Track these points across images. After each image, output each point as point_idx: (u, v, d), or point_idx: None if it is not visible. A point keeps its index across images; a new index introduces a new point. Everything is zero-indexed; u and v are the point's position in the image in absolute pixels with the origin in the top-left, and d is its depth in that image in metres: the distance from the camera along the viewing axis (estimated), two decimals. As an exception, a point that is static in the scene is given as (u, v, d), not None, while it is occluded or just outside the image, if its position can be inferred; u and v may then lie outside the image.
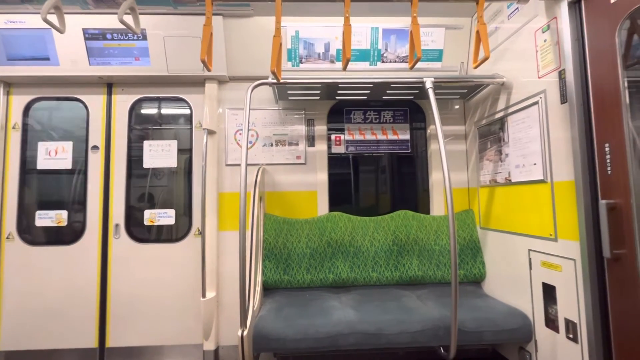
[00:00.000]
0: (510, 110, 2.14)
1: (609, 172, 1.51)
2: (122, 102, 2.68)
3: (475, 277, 2.45)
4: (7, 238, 2.54)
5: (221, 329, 2.53)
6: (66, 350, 2.50)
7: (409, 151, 2.86)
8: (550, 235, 1.80)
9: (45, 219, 2.58)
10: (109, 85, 2.69)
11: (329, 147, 2.79)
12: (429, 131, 2.84)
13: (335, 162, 2.82)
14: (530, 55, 1.96)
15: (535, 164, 1.92)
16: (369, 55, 2.61)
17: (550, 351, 1.82)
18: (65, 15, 1.64)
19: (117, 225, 2.59)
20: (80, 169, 2.64)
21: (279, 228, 2.53)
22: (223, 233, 2.60)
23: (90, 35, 2.45)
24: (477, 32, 1.67)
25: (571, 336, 1.68)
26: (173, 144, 2.68)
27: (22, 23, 2.40)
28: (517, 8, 2.08)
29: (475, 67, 1.75)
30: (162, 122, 2.79)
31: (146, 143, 2.67)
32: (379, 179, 2.96)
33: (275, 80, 2.14)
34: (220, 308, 2.54)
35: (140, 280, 2.56)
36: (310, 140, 2.75)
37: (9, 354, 2.49)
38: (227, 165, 2.67)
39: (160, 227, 2.64)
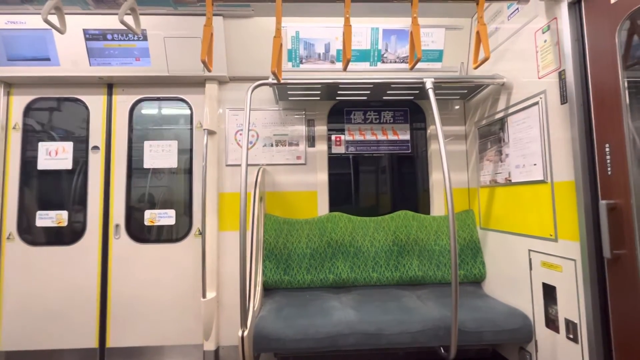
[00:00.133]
0: (511, 110, 2.14)
1: (609, 173, 1.51)
2: (123, 102, 2.68)
3: (476, 277, 2.46)
4: (8, 238, 2.54)
5: (221, 329, 2.53)
6: (67, 350, 2.50)
7: (409, 151, 2.86)
8: (551, 235, 1.80)
9: (46, 219, 2.58)
10: (110, 86, 2.69)
11: (329, 148, 2.79)
12: (429, 131, 2.84)
13: (335, 162, 2.82)
14: (530, 56, 1.96)
15: (535, 165, 1.92)
16: (369, 55, 2.61)
17: (550, 351, 1.82)
18: (66, 16, 1.65)
19: (117, 226, 2.59)
20: (80, 169, 2.64)
21: (279, 228, 2.53)
22: (223, 233, 2.60)
23: (90, 36, 2.45)
24: (477, 32, 1.67)
25: (571, 336, 1.68)
26: (173, 145, 2.68)
27: (22, 23, 2.40)
28: (517, 9, 2.08)
29: (476, 68, 1.75)
30: (163, 123, 2.79)
31: (146, 143, 2.67)
32: (379, 179, 2.96)
33: (275, 81, 2.14)
34: (221, 308, 2.54)
35: (141, 281, 2.56)
36: (311, 140, 2.75)
37: (9, 354, 2.49)
38: (227, 165, 2.68)
39: (160, 227, 2.64)
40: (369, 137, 2.84)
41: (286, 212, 2.66)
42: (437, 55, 2.63)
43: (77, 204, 2.62)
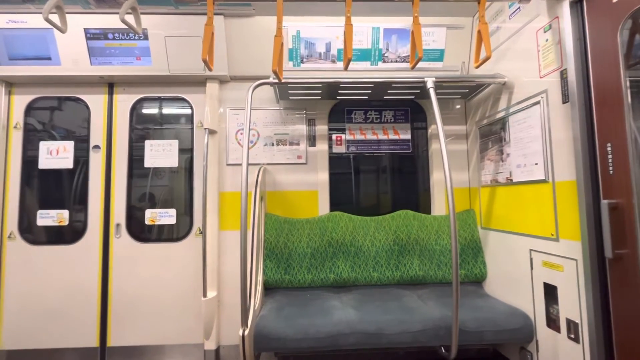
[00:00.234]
0: (512, 110, 2.14)
1: (611, 172, 1.51)
2: (124, 101, 2.69)
3: (477, 277, 2.45)
4: (9, 237, 2.55)
5: (222, 329, 2.53)
6: (67, 349, 2.50)
7: (410, 151, 2.86)
8: (552, 235, 1.80)
9: (47, 218, 2.58)
10: (110, 85, 2.69)
11: (330, 147, 2.79)
12: (430, 131, 2.84)
13: (336, 161, 2.81)
14: (531, 55, 1.95)
15: (536, 164, 1.91)
16: (370, 55, 2.60)
17: (551, 351, 1.82)
18: (67, 15, 1.65)
19: (118, 225, 2.59)
20: (81, 169, 2.64)
21: (279, 228, 2.53)
22: (224, 233, 2.61)
23: (91, 35, 2.45)
24: (479, 31, 1.67)
25: (572, 336, 1.67)
26: (174, 144, 2.68)
27: (23, 23, 2.40)
28: (519, 8, 2.07)
29: (477, 67, 1.75)
30: (163, 122, 2.80)
31: (147, 143, 2.67)
32: (380, 179, 2.96)
33: (276, 80, 2.14)
34: (221, 307, 2.54)
35: (142, 280, 2.56)
36: (311, 140, 2.75)
37: (10, 353, 2.50)
38: (228, 164, 2.68)
39: (161, 226, 2.64)
40: (369, 136, 2.84)
41: (287, 211, 2.66)
42: (438, 55, 2.63)
43: (78, 203, 2.62)
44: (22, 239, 2.55)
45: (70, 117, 2.71)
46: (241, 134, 2.70)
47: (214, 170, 2.59)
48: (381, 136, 2.84)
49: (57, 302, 2.52)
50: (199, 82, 2.67)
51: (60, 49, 2.46)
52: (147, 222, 2.61)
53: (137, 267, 2.57)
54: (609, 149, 1.52)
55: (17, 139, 2.62)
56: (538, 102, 1.90)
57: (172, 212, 2.63)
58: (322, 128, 2.76)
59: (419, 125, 2.89)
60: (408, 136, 2.85)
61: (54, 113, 2.73)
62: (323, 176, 2.71)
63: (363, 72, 2.62)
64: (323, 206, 2.68)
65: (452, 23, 2.56)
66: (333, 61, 2.61)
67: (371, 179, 2.94)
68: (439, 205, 2.72)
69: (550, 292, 1.82)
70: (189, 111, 2.73)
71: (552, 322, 1.81)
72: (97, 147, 2.64)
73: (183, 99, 2.73)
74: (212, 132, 2.58)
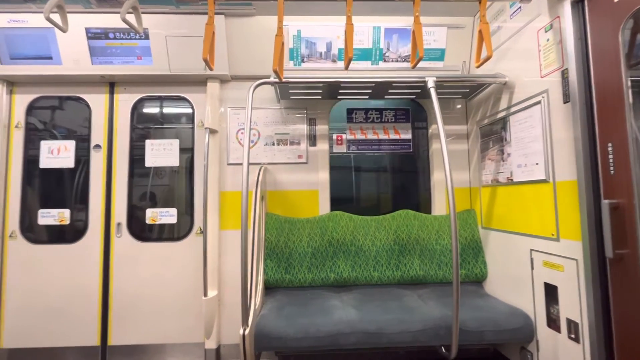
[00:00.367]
0: (513, 109, 2.13)
1: (612, 172, 1.50)
2: (124, 101, 2.69)
3: (477, 276, 2.45)
4: (10, 236, 2.55)
5: (223, 328, 2.53)
6: (68, 348, 2.51)
7: (411, 151, 2.86)
8: (553, 235, 1.80)
9: (48, 217, 2.59)
10: (111, 85, 2.70)
11: (331, 147, 2.79)
12: (430, 130, 2.83)
13: (336, 161, 2.82)
14: (532, 55, 1.95)
15: (537, 164, 1.91)
16: (371, 54, 2.60)
17: (551, 351, 1.82)
18: (68, 15, 1.65)
19: (119, 224, 2.60)
20: (82, 168, 2.65)
21: (280, 227, 2.54)
22: (225, 232, 2.61)
23: (92, 35, 2.46)
24: (480, 31, 1.67)
25: (573, 336, 1.67)
26: (175, 143, 2.68)
27: (24, 22, 2.41)
28: (520, 7, 2.07)
29: (478, 67, 1.75)
30: (164, 121, 2.80)
31: (148, 142, 2.68)
32: (381, 179, 2.96)
33: (277, 80, 2.14)
34: (222, 307, 2.55)
35: (142, 279, 2.56)
36: (312, 139, 2.75)
37: (12, 351, 2.51)
38: (228, 164, 2.68)
39: (162, 226, 2.64)
40: (370, 136, 2.84)
41: (287, 211, 2.66)
42: (439, 54, 2.62)
43: (79, 202, 2.62)
44: (23, 238, 2.56)
45: (71, 117, 2.72)
46: (242, 133, 2.71)
47: (215, 170, 2.59)
48: (382, 136, 2.84)
49: (58, 301, 2.52)
50: (199, 82, 2.67)
51: (61, 49, 2.46)
52: (147, 221, 2.62)
53: (137, 266, 2.57)
54: (610, 149, 1.51)
55: (18, 138, 2.63)
56: (539, 102, 1.89)
57: (173, 211, 2.63)
58: (322, 128, 2.76)
59: (420, 125, 2.89)
60: (409, 136, 2.85)
61: (55, 112, 2.73)
62: (324, 176, 2.71)
63: (364, 71, 2.62)
64: (323, 206, 2.68)
65: (453, 23, 2.56)
66: (334, 61, 2.61)
67: (372, 178, 2.94)
68: (439, 205, 2.72)
69: (551, 292, 1.82)
70: (189, 111, 2.74)
71: (553, 322, 1.81)
72: (98, 146, 2.65)
73: (184, 99, 2.73)
74: (212, 131, 2.59)
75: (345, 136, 2.83)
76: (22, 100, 2.65)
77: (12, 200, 2.58)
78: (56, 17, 1.58)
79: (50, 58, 2.49)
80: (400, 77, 2.30)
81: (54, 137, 2.68)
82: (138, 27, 1.73)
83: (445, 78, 2.29)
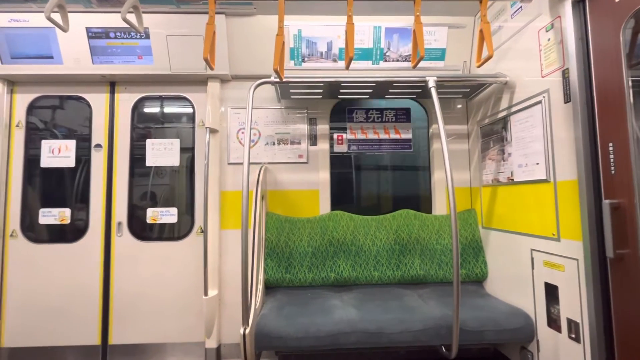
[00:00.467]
0: (513, 109, 2.13)
1: (613, 172, 1.50)
2: (125, 100, 2.69)
3: (477, 276, 2.45)
4: (11, 235, 2.56)
5: (223, 327, 2.53)
6: (69, 347, 2.52)
7: (411, 150, 2.85)
8: (553, 234, 1.80)
9: (49, 216, 2.59)
10: (112, 84, 2.70)
11: (331, 146, 2.79)
12: (431, 130, 2.83)
13: (337, 161, 2.81)
14: (533, 54, 1.95)
15: (538, 164, 1.91)
16: (372, 54, 2.60)
17: (552, 351, 1.82)
18: (69, 14, 1.65)
19: (119, 224, 2.60)
20: (83, 167, 2.65)
21: (280, 227, 2.54)
22: (225, 231, 2.61)
23: (93, 34, 2.46)
24: (481, 30, 1.67)
25: (573, 336, 1.67)
26: (175, 143, 2.69)
27: (25, 22, 2.41)
28: (521, 7, 2.07)
29: (479, 66, 1.75)
30: (165, 121, 2.80)
31: (149, 141, 2.68)
32: (381, 178, 2.96)
33: (277, 79, 2.14)
34: (222, 306, 2.55)
35: (143, 278, 2.57)
36: (313, 139, 2.75)
37: (12, 350, 2.51)
38: (229, 163, 2.68)
39: (162, 225, 2.65)
40: (371, 136, 2.84)
41: (288, 210, 2.66)
42: (440, 54, 2.62)
43: (80, 201, 2.63)
44: (24, 237, 2.57)
45: (72, 116, 2.72)
46: (242, 133, 2.71)
47: (215, 169, 2.59)
48: (382, 135, 2.84)
49: (59, 300, 2.53)
50: (200, 81, 2.67)
51: (62, 48, 2.47)
52: (148, 220, 2.62)
53: (138, 265, 2.57)
54: (610, 148, 1.51)
55: (19, 137, 2.63)
56: (540, 102, 1.89)
57: (174, 211, 2.63)
58: (323, 127, 2.76)
59: (420, 124, 2.89)
60: (409, 135, 2.85)
61: (56, 112, 2.73)
62: (324, 175, 2.71)
63: (364, 71, 2.62)
64: (324, 205, 2.69)
65: (454, 22, 2.56)
66: (334, 60, 2.61)
67: (372, 178, 2.94)
68: (440, 205, 2.72)
69: (551, 291, 1.82)
70: (190, 110, 2.74)
71: (553, 322, 1.81)
72: (98, 145, 2.65)
73: (184, 98, 2.73)
74: (213, 131, 2.59)
75: (346, 136, 2.83)
76: (23, 99, 2.66)
77: (13, 199, 2.58)
78: (57, 17, 1.58)
79: (51, 57, 2.49)
80: (401, 76, 2.30)
81: (55, 137, 2.69)
82: (139, 27, 1.73)
83: (445, 78, 2.29)
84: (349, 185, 2.87)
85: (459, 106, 2.80)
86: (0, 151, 2.55)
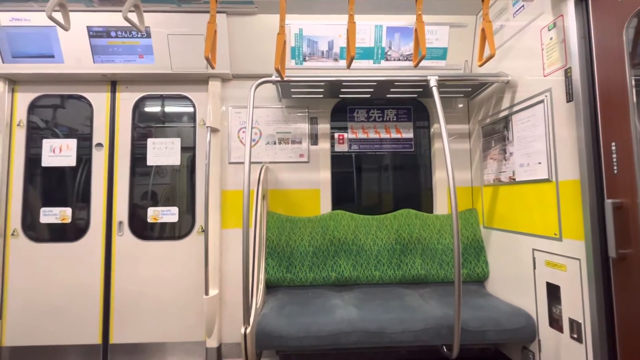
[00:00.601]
0: (515, 108, 2.13)
1: (616, 172, 1.50)
2: (126, 99, 2.69)
3: (479, 276, 2.45)
4: (12, 235, 2.56)
5: (224, 327, 2.53)
6: (70, 346, 2.52)
7: (412, 150, 2.85)
8: (555, 234, 1.79)
9: (50, 215, 2.59)
10: (113, 83, 2.70)
11: (332, 146, 2.79)
12: (432, 130, 2.83)
13: (338, 160, 2.81)
14: (535, 54, 1.94)
15: (540, 163, 1.91)
16: (373, 53, 2.60)
17: (554, 351, 1.81)
18: (70, 13, 1.65)
19: (120, 223, 2.60)
20: (84, 167, 2.65)
21: (281, 226, 2.54)
22: (226, 231, 2.61)
23: (94, 33, 2.46)
24: (483, 29, 1.66)
25: (575, 336, 1.67)
26: (176, 142, 2.68)
27: (27, 21, 2.41)
28: (523, 6, 2.06)
29: (481, 65, 1.74)
30: (166, 120, 2.80)
31: (150, 141, 2.68)
32: (382, 178, 2.96)
33: (279, 78, 2.14)
34: (223, 305, 2.55)
35: (144, 278, 2.57)
36: (314, 138, 2.74)
37: (13, 349, 2.52)
38: (230, 163, 2.68)
39: (163, 224, 2.65)
40: (372, 135, 2.83)
41: (289, 210, 2.66)
42: (441, 53, 2.62)
43: (81, 201, 2.63)
44: (25, 236, 2.57)
45: (73, 115, 2.72)
46: (243, 132, 2.70)
47: (216, 169, 2.59)
48: (383, 135, 2.83)
49: (60, 299, 2.53)
50: (201, 80, 2.67)
51: (63, 47, 2.47)
52: (149, 220, 2.62)
53: (139, 264, 2.57)
54: (613, 148, 1.51)
55: (20, 136, 2.63)
56: (542, 101, 1.89)
57: (175, 210, 2.63)
58: (324, 127, 2.75)
59: (422, 124, 2.88)
60: (410, 135, 2.84)
61: (57, 111, 2.73)
62: (325, 175, 2.71)
63: (365, 70, 2.61)
64: (325, 205, 2.68)
65: (455, 21, 2.55)
66: (335, 59, 2.60)
67: (373, 177, 2.94)
68: (441, 205, 2.71)
69: (553, 291, 1.81)
70: (191, 109, 2.73)
71: (555, 322, 1.80)
72: (99, 145, 2.65)
73: (185, 97, 2.73)
74: (214, 130, 2.58)
75: (347, 135, 2.83)
76: (24, 98, 2.66)
77: (14, 198, 2.58)
78: (58, 16, 1.58)
79: (52, 56, 2.49)
80: (402, 76, 2.30)
81: (56, 136, 2.69)
82: (140, 26, 1.73)
83: (447, 77, 2.28)
84: (349, 184, 2.87)
85: (461, 105, 2.79)
86: (1, 150, 2.55)
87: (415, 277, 2.45)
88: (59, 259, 2.55)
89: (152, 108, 2.78)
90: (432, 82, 2.08)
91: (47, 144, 2.64)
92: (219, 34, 2.34)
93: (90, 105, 2.68)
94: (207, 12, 1.64)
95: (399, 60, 2.62)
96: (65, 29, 1.64)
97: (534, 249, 1.96)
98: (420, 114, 2.87)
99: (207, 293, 2.40)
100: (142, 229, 2.62)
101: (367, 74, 2.32)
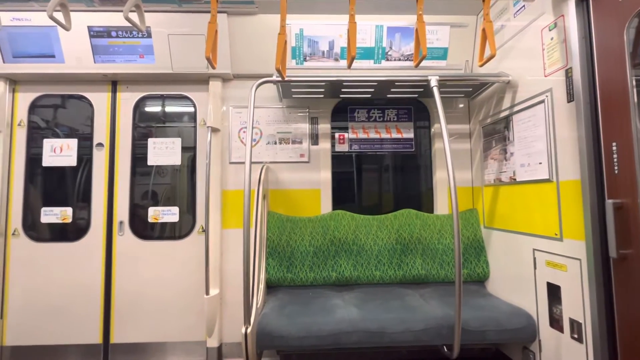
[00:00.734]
0: (516, 109, 2.13)
1: (616, 172, 1.50)
2: (127, 99, 2.69)
3: (479, 276, 2.45)
4: (13, 234, 2.56)
5: (224, 326, 2.54)
6: (71, 345, 2.52)
7: (413, 150, 2.85)
8: (556, 234, 1.79)
9: (51, 215, 2.59)
10: (114, 83, 2.70)
11: (333, 146, 2.79)
12: (433, 130, 2.83)
13: (338, 160, 2.81)
14: (536, 54, 1.94)
15: (540, 163, 1.91)
16: (374, 53, 2.60)
17: (554, 351, 1.81)
18: (71, 13, 1.65)
19: (121, 223, 2.60)
20: (85, 166, 2.65)
21: (282, 226, 2.54)
22: (227, 231, 2.61)
23: (95, 33, 2.46)
24: (483, 29, 1.66)
25: (576, 336, 1.67)
26: (177, 142, 2.68)
27: (27, 20, 2.41)
28: (524, 6, 2.06)
29: (481, 65, 1.74)
30: (166, 120, 2.80)
31: (150, 141, 2.68)
32: (383, 178, 2.96)
33: (279, 78, 2.14)
34: (224, 305, 2.55)
35: (144, 277, 2.57)
36: (314, 138, 2.74)
37: (14, 349, 2.52)
38: (230, 163, 2.68)
39: (164, 224, 2.65)
40: (372, 135, 2.83)
41: (289, 209, 2.66)
42: (442, 53, 2.61)
43: (82, 200, 2.63)
44: (26, 236, 2.57)
45: (73, 115, 2.72)
46: (244, 132, 2.71)
47: (217, 169, 2.59)
48: (384, 135, 2.83)
49: (61, 299, 2.53)
50: (202, 80, 2.67)
51: (64, 47, 2.47)
52: (150, 219, 2.62)
53: (139, 264, 2.58)
54: (614, 148, 1.51)
55: (21, 136, 2.63)
56: (542, 101, 1.89)
57: (175, 210, 2.64)
58: (324, 127, 2.75)
59: (422, 124, 2.88)
60: (411, 135, 2.84)
61: (58, 111, 2.74)
62: (325, 175, 2.71)
63: (366, 70, 2.62)
64: (325, 205, 2.68)
65: (456, 21, 2.55)
66: (336, 59, 2.60)
67: (374, 177, 2.94)
68: (441, 205, 2.71)
69: (554, 291, 1.81)
70: (191, 109, 2.74)
71: (555, 322, 1.80)
72: (100, 144, 2.65)
73: (186, 97, 2.73)
74: (215, 130, 2.59)
75: (347, 135, 2.83)
76: (25, 98, 2.66)
77: (14, 198, 2.58)
78: (59, 16, 1.58)
79: (53, 56, 2.49)
80: (403, 76, 2.30)
81: (57, 136, 2.69)
82: (141, 26, 1.73)
83: (448, 77, 2.28)
84: (350, 184, 2.87)
85: (461, 105, 2.79)
86: (2, 150, 2.55)
87: (416, 277, 2.45)
88: (60, 259, 2.56)
89: (153, 108, 2.78)
90: (433, 82, 2.08)
91: (48, 143, 2.64)
92: (220, 34, 2.34)
93: (90, 105, 2.68)
94: (208, 12, 1.64)
95: (399, 60, 2.62)
96: (66, 28, 1.64)
97: (534, 249, 1.96)
98: (421, 114, 2.87)
99: (207, 293, 2.40)
100: (143, 229, 2.63)
101: (367, 74, 2.32)
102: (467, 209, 2.67)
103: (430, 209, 2.77)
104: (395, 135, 2.83)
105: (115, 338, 2.54)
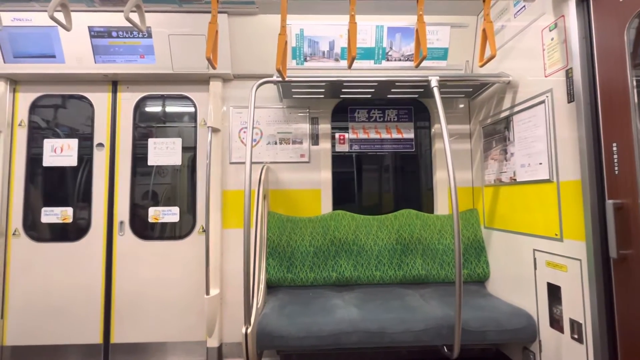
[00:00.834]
0: (516, 109, 2.13)
1: (617, 172, 1.50)
2: (127, 99, 2.69)
3: (479, 276, 2.45)
4: (14, 234, 2.56)
5: (225, 326, 2.54)
6: (71, 345, 2.52)
7: (413, 150, 2.85)
8: (556, 235, 1.79)
9: (51, 215, 2.60)
10: (114, 83, 2.70)
11: (333, 146, 2.79)
12: (433, 130, 2.83)
13: (339, 160, 2.81)
14: (536, 54, 1.94)
15: (541, 164, 1.91)
16: (374, 53, 2.60)
17: (554, 351, 1.81)
18: (71, 13, 1.65)
19: (121, 223, 2.60)
20: (85, 166, 2.65)
21: (282, 226, 2.54)
22: (227, 231, 2.61)
23: (95, 33, 2.46)
24: (484, 30, 1.66)
25: (576, 337, 1.67)
26: (177, 142, 2.69)
27: (28, 21, 2.41)
28: (524, 6, 2.06)
29: (482, 66, 1.74)
30: (167, 120, 2.81)
31: (151, 141, 2.68)
32: (383, 178, 2.96)
33: (280, 79, 2.14)
34: (224, 305, 2.55)
35: (145, 277, 2.57)
36: (314, 138, 2.74)
37: (15, 348, 2.52)
38: (231, 163, 2.68)
39: (164, 224, 2.65)
40: (372, 135, 2.83)
41: (290, 210, 2.66)
42: (442, 54, 2.62)
43: (82, 200, 2.63)
44: (26, 236, 2.57)
45: (74, 115, 2.72)
46: (244, 132, 2.71)
47: (217, 169, 2.60)
48: (384, 135, 2.83)
49: (61, 299, 2.53)
50: (202, 81, 2.67)
51: (64, 47, 2.47)
52: (150, 219, 2.62)
53: (140, 264, 2.58)
54: (614, 148, 1.51)
55: (21, 136, 2.63)
56: (543, 102, 1.89)
57: (175, 210, 2.64)
58: (325, 127, 2.76)
59: (423, 124, 2.88)
60: (411, 135, 2.84)
61: (58, 111, 2.74)
62: (326, 175, 2.71)
63: (366, 70, 2.62)
64: (326, 205, 2.68)
65: (457, 22, 2.55)
66: (336, 60, 2.61)
67: (374, 178, 2.94)
68: (441, 205, 2.71)
69: (554, 292, 1.81)
70: (192, 109, 2.74)
71: (556, 323, 1.80)
72: (100, 145, 2.66)
73: (186, 97, 2.73)
74: (215, 130, 2.59)
75: (348, 135, 2.83)
76: (26, 98, 2.66)
77: (15, 198, 2.59)
78: (60, 16, 1.58)
79: (54, 57, 2.49)
80: (403, 76, 2.30)
81: (57, 136, 2.69)
82: (141, 26, 1.73)
83: (448, 77, 2.28)
84: (350, 184, 2.87)
85: (461, 106, 2.79)
86: (2, 150, 2.55)
87: (416, 277, 2.45)
88: (60, 259, 2.56)
89: (153, 108, 2.78)
90: (433, 83, 2.08)
91: (49, 143, 2.65)
92: (220, 34, 2.34)
93: (91, 105, 2.68)
94: (209, 12, 1.64)
95: (400, 60, 2.62)
96: (67, 29, 1.64)
97: (534, 250, 1.96)
98: (421, 114, 2.87)
99: (208, 293, 2.40)
100: (143, 229, 2.63)
101: (368, 74, 2.32)
102: (468, 209, 2.67)
103: (430, 209, 2.77)
104: (395, 135, 2.83)
105: (116, 338, 2.54)
